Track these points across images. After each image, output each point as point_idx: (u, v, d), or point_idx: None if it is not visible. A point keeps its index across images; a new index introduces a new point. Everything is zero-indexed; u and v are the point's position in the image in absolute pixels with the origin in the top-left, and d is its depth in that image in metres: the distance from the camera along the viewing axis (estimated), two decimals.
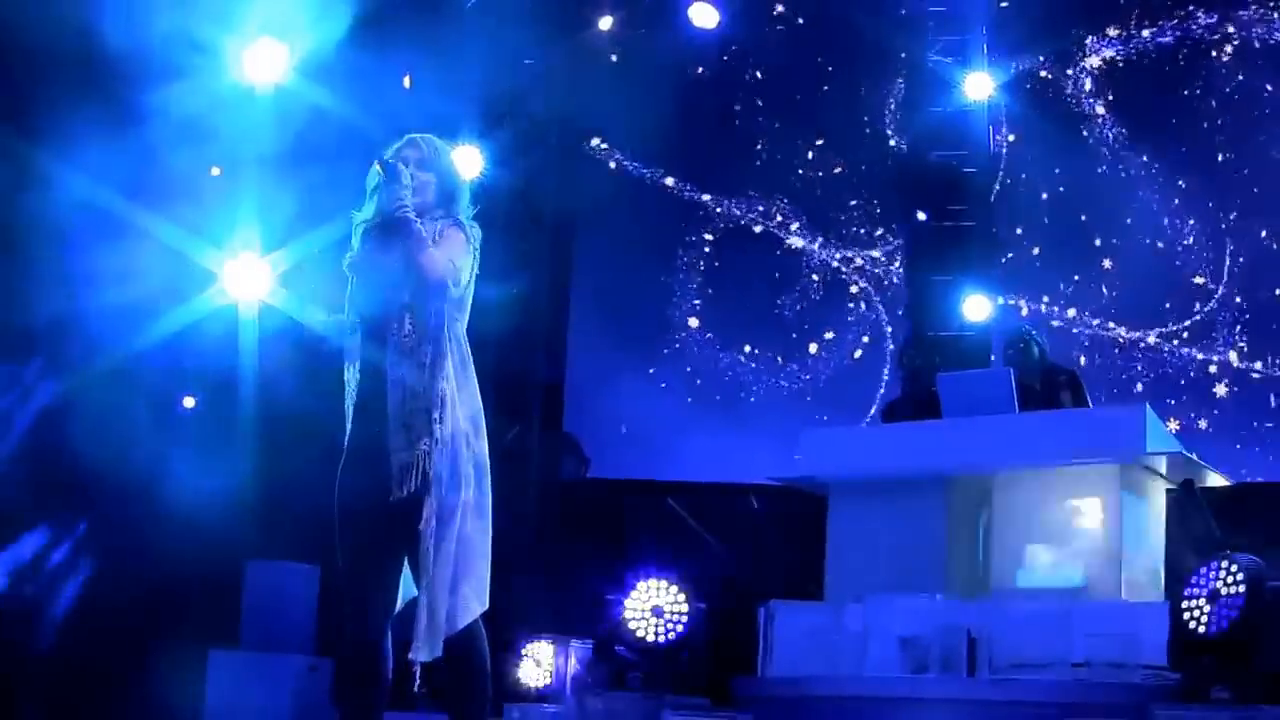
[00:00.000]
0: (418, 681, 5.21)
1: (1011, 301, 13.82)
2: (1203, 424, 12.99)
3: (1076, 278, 13.74)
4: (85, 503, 10.07)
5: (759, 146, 14.36)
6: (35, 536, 9.63)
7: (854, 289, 14.26)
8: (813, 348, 14.13)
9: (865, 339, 14.20)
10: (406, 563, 5.36)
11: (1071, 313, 13.41)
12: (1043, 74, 13.94)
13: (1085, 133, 13.82)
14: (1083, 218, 13.78)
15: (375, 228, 5.48)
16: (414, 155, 5.51)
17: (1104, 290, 13.59)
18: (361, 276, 5.48)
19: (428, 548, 5.15)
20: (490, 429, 5.50)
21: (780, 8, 14.37)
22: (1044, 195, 13.97)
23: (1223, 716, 7.41)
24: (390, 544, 5.32)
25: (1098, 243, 13.68)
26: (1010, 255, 13.97)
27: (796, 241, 14.24)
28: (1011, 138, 14.01)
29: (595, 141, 14.12)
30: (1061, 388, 9.84)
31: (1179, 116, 13.53)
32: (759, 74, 14.38)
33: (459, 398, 5.32)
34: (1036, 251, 13.95)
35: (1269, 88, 13.18)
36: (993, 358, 11.85)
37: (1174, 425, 12.58)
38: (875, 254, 14.30)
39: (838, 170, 14.34)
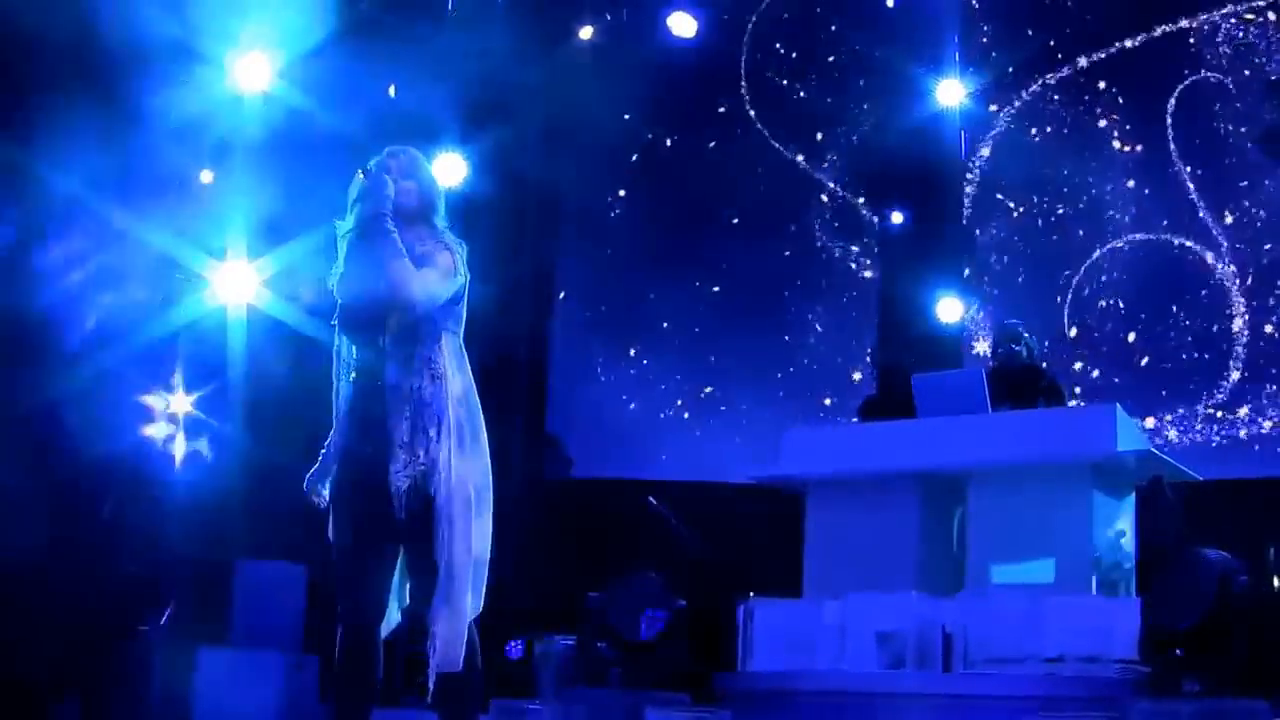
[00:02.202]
0: (430, 689, 5.28)
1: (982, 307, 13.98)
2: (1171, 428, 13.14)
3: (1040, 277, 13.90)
4: (77, 501, 10.12)
5: (736, 148, 14.45)
6: (26, 534, 9.68)
7: (831, 289, 14.36)
8: (790, 346, 14.23)
9: (844, 338, 14.31)
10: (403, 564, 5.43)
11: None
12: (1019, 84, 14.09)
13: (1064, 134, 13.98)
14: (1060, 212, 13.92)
15: (357, 239, 5.48)
16: (395, 165, 5.54)
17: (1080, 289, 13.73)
18: (349, 290, 5.48)
19: (436, 561, 5.21)
20: None
21: (757, 16, 14.48)
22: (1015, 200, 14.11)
23: (1193, 709, 7.46)
24: (388, 547, 5.37)
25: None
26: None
27: (777, 242, 14.33)
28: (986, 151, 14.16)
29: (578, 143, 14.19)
30: (1041, 393, 9.89)
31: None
32: (737, 79, 14.49)
33: (458, 405, 5.34)
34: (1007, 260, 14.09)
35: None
36: (984, 352, 11.90)
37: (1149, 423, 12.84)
38: (852, 255, 14.42)
39: (816, 173, 14.44)
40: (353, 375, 5.46)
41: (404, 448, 5.26)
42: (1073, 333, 13.65)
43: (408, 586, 5.45)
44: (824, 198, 14.44)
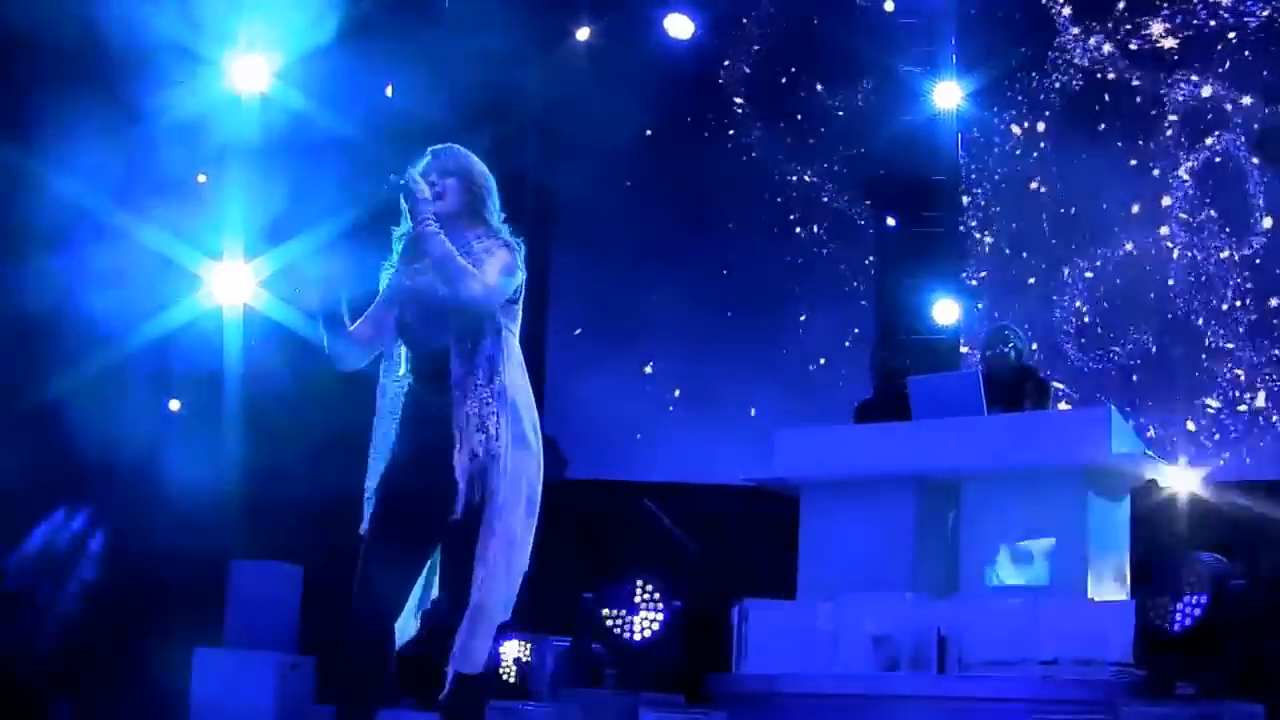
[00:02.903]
0: (446, 686, 5.27)
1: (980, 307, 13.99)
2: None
3: (1033, 279, 13.91)
4: (74, 501, 10.14)
5: (733, 151, 14.45)
6: (24, 536, 9.71)
7: (828, 290, 14.36)
8: (786, 347, 14.23)
9: (839, 339, 14.32)
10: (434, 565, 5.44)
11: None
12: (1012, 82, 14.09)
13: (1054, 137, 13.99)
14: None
15: (408, 246, 5.47)
16: (436, 164, 5.50)
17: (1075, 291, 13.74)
18: (406, 295, 5.46)
19: (476, 557, 5.24)
20: None
21: (753, 18, 14.49)
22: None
23: (1188, 712, 7.47)
24: (424, 547, 5.40)
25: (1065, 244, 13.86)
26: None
27: (774, 243, 14.33)
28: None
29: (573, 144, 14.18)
30: (1027, 394, 9.90)
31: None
32: (733, 81, 14.50)
33: (518, 406, 5.37)
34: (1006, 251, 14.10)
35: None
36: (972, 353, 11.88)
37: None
38: (848, 257, 14.43)
39: (810, 175, 14.45)
40: (411, 378, 5.45)
41: (466, 442, 5.25)
42: (1069, 332, 13.65)
43: (432, 596, 5.46)
44: (821, 200, 14.44)
